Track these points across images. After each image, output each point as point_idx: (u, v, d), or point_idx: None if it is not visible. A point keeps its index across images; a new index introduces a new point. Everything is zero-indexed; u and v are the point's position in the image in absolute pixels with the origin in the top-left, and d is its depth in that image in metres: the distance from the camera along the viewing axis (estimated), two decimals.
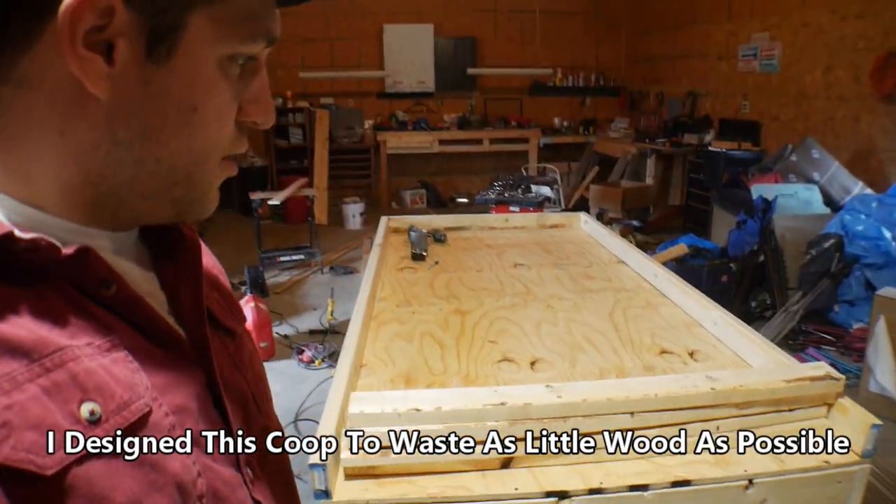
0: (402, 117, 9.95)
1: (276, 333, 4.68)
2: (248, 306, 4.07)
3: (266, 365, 4.34)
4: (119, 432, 0.46)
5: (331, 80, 9.67)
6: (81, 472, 0.43)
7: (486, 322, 1.99)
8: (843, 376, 1.44)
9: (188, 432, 0.53)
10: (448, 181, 10.25)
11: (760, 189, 5.20)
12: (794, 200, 5.15)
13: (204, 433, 0.56)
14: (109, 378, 0.47)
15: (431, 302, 2.18)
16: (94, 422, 0.45)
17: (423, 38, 9.85)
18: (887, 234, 4.37)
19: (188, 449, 0.52)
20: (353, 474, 1.21)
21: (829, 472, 1.33)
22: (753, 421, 1.36)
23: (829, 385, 1.40)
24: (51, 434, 0.42)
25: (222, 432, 0.59)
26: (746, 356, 1.72)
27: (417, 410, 1.20)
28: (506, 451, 1.26)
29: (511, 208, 4.65)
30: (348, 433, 1.21)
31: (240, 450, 0.60)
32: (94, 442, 0.44)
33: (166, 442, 0.50)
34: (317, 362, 4.19)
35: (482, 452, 1.24)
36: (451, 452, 1.23)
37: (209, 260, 0.72)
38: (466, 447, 1.23)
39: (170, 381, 0.54)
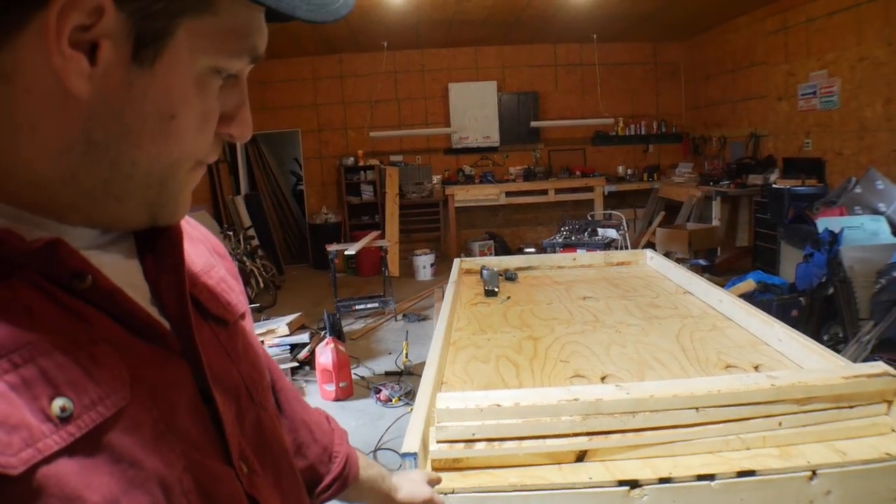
0: (469, 171, 10.20)
1: (355, 375, 4.87)
2: (327, 348, 4.29)
3: (344, 404, 4.38)
4: (93, 429, 0.44)
5: (399, 139, 10.00)
6: (51, 471, 0.41)
7: (558, 346, 2.11)
8: None
9: (173, 425, 0.51)
10: (515, 232, 10.42)
11: (826, 222, 5.17)
12: (861, 232, 5.10)
13: (190, 426, 0.54)
14: (83, 372, 0.45)
15: (505, 330, 2.31)
16: (65, 418, 0.43)
17: (486, 95, 10.12)
18: None
19: (172, 443, 0.50)
20: (439, 467, 1.34)
21: (892, 465, 1.40)
22: (815, 417, 1.44)
23: (887, 381, 1.47)
24: (17, 432, 0.41)
25: (211, 425, 0.57)
26: (811, 365, 1.79)
27: (498, 406, 1.33)
28: (579, 445, 1.37)
29: (578, 251, 4.76)
30: (436, 427, 1.35)
31: (231, 443, 0.58)
32: (65, 439, 0.42)
33: (147, 436, 0.48)
34: (394, 400, 4.33)
35: (557, 446, 1.36)
36: (529, 446, 1.36)
37: (201, 246, 0.71)
38: (543, 441, 1.35)
39: (152, 373, 0.51)
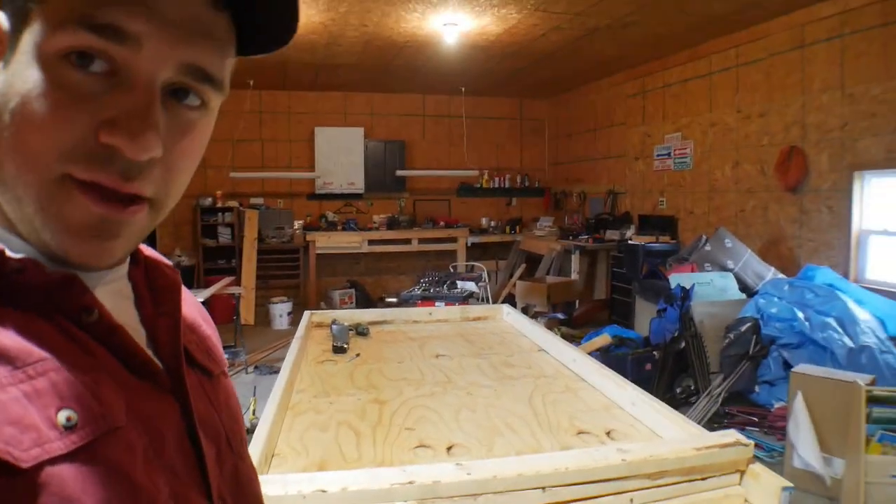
0: (332, 218, 9.99)
1: None
2: None
3: None
4: (93, 441, 0.47)
5: (261, 181, 9.68)
6: (55, 472, 0.44)
7: (405, 410, 1.96)
8: (751, 442, 1.46)
9: (161, 455, 0.53)
10: (377, 281, 10.25)
11: (678, 278, 5.36)
12: (711, 288, 5.33)
13: (176, 460, 0.55)
14: (88, 391, 0.48)
15: (350, 392, 2.15)
16: (69, 428, 0.46)
17: (353, 141, 9.97)
18: (800, 315, 4.54)
19: (160, 470, 0.52)
20: None
21: None
22: (667, 491, 1.36)
23: (739, 451, 1.42)
24: (28, 433, 0.44)
25: (195, 463, 0.58)
26: (663, 432, 1.73)
27: (323, 492, 1.16)
28: None
29: (437, 304, 4.67)
30: None
31: (212, 482, 0.59)
32: (68, 446, 0.45)
33: (139, 459, 0.50)
34: None
35: None
36: None
37: (192, 308, 0.72)
38: None
39: (145, 407, 0.53)
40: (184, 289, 0.70)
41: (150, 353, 0.58)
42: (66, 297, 0.51)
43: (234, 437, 0.67)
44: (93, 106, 0.48)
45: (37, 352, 0.47)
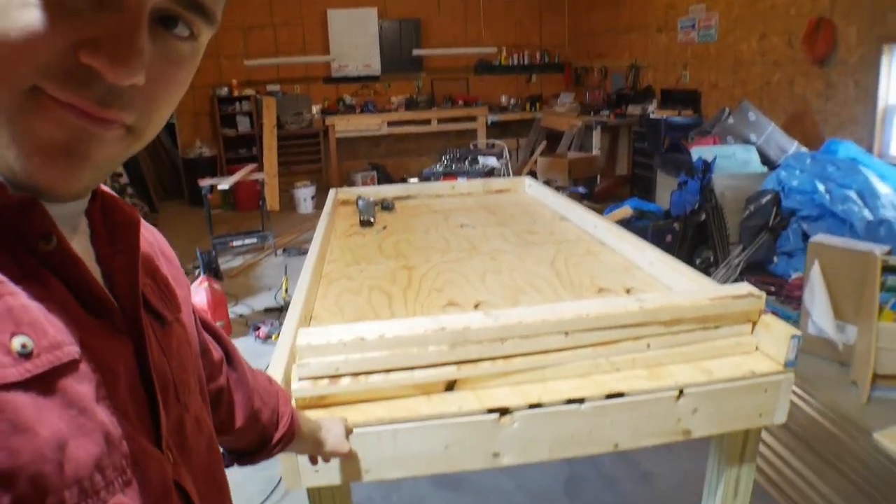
0: (350, 101, 9.90)
1: (233, 313, 4.69)
2: (201, 287, 4.06)
3: None
4: (49, 372, 0.45)
5: (276, 67, 9.55)
6: (8, 398, 0.42)
7: (433, 274, 2.06)
8: (763, 293, 1.53)
9: (114, 394, 0.51)
10: (398, 162, 10.25)
11: (700, 151, 5.33)
12: (733, 161, 5.29)
13: (128, 401, 0.54)
14: (44, 319, 0.46)
15: (379, 261, 2.24)
16: (24, 355, 0.44)
17: (367, 22, 9.75)
18: (821, 188, 4.53)
19: (112, 409, 0.50)
20: (304, 405, 1.27)
21: (756, 382, 1.42)
22: (682, 338, 1.44)
23: (751, 302, 1.49)
24: None
25: (147, 408, 0.57)
26: (679, 288, 1.81)
27: (362, 339, 1.25)
28: (448, 374, 1.32)
29: (458, 179, 4.71)
30: (298, 365, 1.27)
31: (163, 430, 0.58)
32: (22, 374, 0.43)
33: (93, 394, 0.49)
34: (273, 337, 4.19)
35: (425, 377, 1.31)
36: (396, 379, 1.30)
37: (153, 246, 0.72)
38: (410, 372, 1.30)
39: (99, 344, 0.52)
40: (144, 224, 0.68)
41: (105, 290, 0.55)
42: (25, 220, 0.48)
43: (182, 387, 0.66)
44: (76, 22, 0.45)
45: None
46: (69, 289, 0.51)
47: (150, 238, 0.73)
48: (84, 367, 0.48)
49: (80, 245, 0.56)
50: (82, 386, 0.48)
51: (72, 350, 0.47)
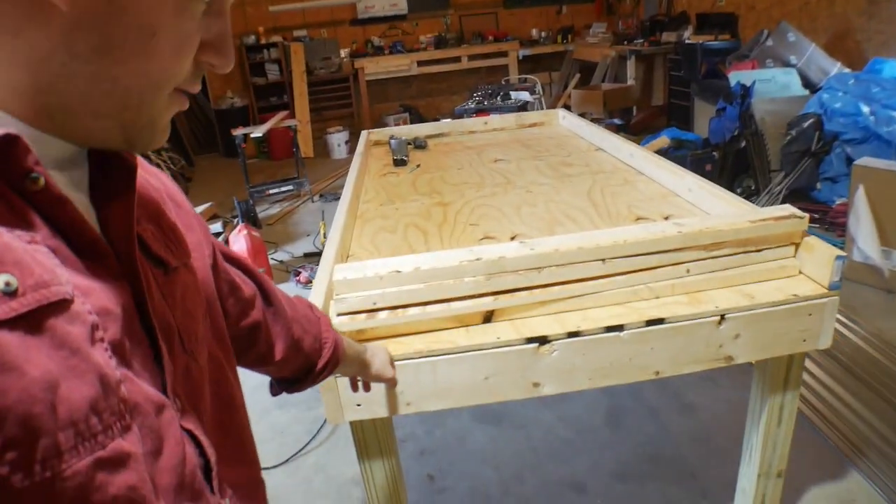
0: (378, 42, 9.76)
1: (273, 259, 4.75)
2: (240, 235, 4.12)
3: None
4: (36, 310, 0.44)
5: (302, 12, 9.43)
6: None
7: (468, 210, 2.05)
8: (806, 215, 1.49)
9: (112, 338, 0.51)
10: (430, 103, 10.14)
11: (738, 76, 5.17)
12: (773, 85, 5.13)
13: (127, 345, 0.53)
14: (30, 258, 0.45)
15: (414, 199, 2.23)
16: (9, 293, 0.43)
17: None
18: (865, 109, 4.37)
19: (110, 353, 0.50)
20: None
21: (799, 305, 1.40)
22: (723, 262, 1.42)
23: (794, 224, 1.46)
24: None
25: (150, 353, 0.57)
26: (719, 213, 1.77)
27: (398, 272, 1.26)
28: (485, 305, 1.32)
29: (491, 115, 4.64)
30: (335, 298, 1.27)
31: (167, 376, 0.58)
32: (7, 313, 0.42)
33: (87, 336, 0.48)
34: (314, 281, 4.22)
35: (463, 308, 1.31)
36: (434, 311, 1.30)
37: (159, 192, 0.72)
38: (447, 304, 1.30)
39: (93, 287, 0.51)
40: (151, 170, 0.72)
41: (98, 232, 0.55)
42: (7, 157, 0.47)
43: (187, 334, 0.65)
44: (199, 30, 0.56)
45: None
46: (59, 231, 0.50)
47: (157, 183, 0.73)
48: (77, 308, 0.47)
49: (79, 189, 0.57)
50: (74, 327, 0.47)
51: (61, 290, 0.46)
